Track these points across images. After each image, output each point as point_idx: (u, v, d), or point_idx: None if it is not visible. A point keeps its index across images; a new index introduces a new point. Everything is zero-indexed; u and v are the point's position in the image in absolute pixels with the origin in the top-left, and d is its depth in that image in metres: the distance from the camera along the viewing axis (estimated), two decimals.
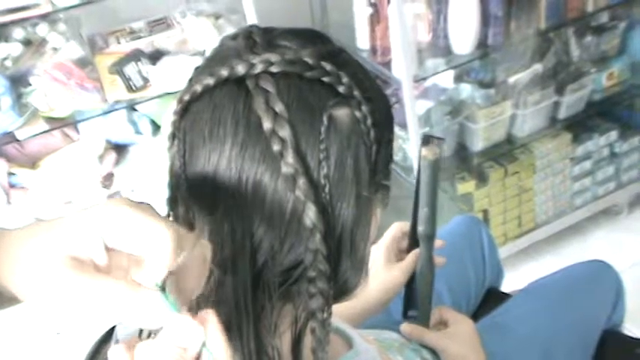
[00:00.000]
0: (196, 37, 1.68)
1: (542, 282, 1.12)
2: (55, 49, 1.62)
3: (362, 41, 1.83)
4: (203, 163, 0.52)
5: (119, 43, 1.72)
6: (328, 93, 0.52)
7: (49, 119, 1.57)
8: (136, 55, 1.57)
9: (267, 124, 0.50)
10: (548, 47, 1.90)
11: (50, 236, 0.43)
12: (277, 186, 0.51)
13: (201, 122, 0.52)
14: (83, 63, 1.62)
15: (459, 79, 1.89)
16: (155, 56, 1.63)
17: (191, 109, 0.54)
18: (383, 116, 0.56)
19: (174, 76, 1.58)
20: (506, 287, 1.32)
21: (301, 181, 0.50)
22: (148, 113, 1.75)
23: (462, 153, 1.94)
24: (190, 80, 0.56)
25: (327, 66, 0.52)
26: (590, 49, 1.95)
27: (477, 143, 1.88)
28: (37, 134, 1.55)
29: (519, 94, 1.86)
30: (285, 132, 0.50)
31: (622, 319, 1.14)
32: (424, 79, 1.74)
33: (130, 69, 1.56)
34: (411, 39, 1.60)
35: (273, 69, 0.51)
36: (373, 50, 1.78)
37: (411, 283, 0.90)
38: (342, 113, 0.52)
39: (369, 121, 0.53)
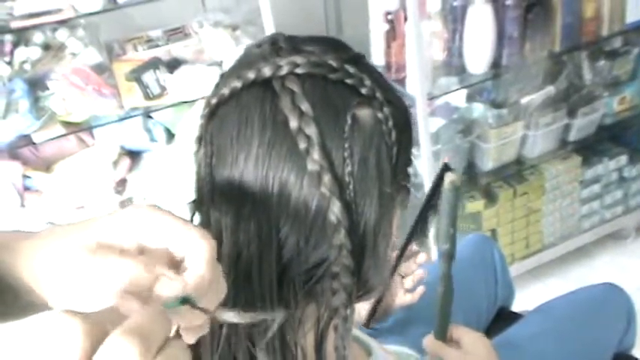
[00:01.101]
0: (213, 47, 1.70)
1: (554, 303, 1.12)
2: (73, 55, 1.64)
3: (377, 57, 1.84)
4: (231, 164, 0.53)
5: (136, 50, 1.73)
6: (352, 94, 0.54)
7: (66, 123, 1.58)
8: (154, 63, 1.59)
9: (293, 123, 0.51)
10: (561, 70, 1.91)
11: (82, 233, 0.44)
12: (303, 184, 0.52)
13: (229, 124, 0.54)
14: (101, 69, 1.64)
15: (471, 98, 1.90)
16: (172, 65, 1.65)
17: (218, 112, 0.55)
18: (403, 120, 0.58)
19: (191, 85, 1.59)
20: (513, 308, 1.32)
21: (326, 178, 0.51)
22: (163, 121, 1.76)
23: (471, 172, 1.94)
24: (217, 85, 0.57)
25: (351, 69, 0.54)
26: (602, 73, 1.96)
27: (487, 163, 1.89)
28: (53, 138, 1.56)
29: (531, 115, 1.87)
30: (311, 130, 0.51)
31: (633, 342, 1.14)
32: (437, 97, 1.75)
33: (148, 77, 1.58)
34: (426, 56, 1.62)
35: (299, 70, 0.53)
36: (388, 66, 1.80)
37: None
38: (365, 113, 0.54)
39: (390, 123, 0.55)
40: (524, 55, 1.73)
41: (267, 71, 0.52)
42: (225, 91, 0.54)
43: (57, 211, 1.65)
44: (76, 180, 1.66)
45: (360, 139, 0.53)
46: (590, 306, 1.10)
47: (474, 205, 1.92)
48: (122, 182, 1.72)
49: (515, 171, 1.96)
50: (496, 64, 1.72)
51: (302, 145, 0.51)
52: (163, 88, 1.60)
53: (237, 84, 0.53)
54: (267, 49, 0.55)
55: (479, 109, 1.87)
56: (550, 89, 1.88)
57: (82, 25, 1.67)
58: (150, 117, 1.75)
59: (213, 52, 1.69)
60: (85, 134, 1.71)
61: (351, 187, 0.52)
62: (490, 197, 1.95)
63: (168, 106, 1.63)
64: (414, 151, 1.80)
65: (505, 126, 1.84)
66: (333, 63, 0.53)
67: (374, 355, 0.63)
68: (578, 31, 1.78)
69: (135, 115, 1.64)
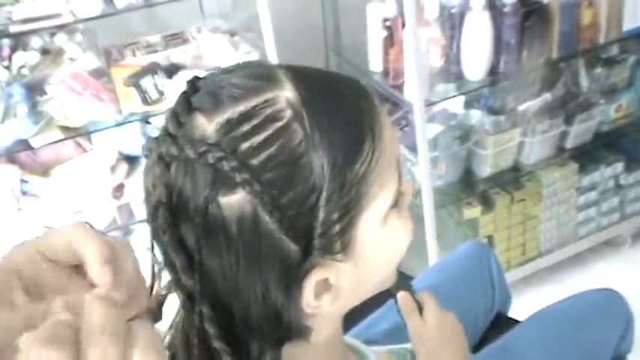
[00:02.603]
0: (212, 53, 1.70)
1: (552, 308, 1.13)
2: (71, 59, 1.64)
3: (375, 64, 1.85)
4: None
5: (135, 55, 1.73)
6: (214, 178, 0.50)
7: (64, 128, 1.58)
8: (152, 69, 1.59)
9: (151, 206, 0.52)
10: (558, 77, 1.92)
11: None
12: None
13: None
14: (99, 74, 1.64)
15: (468, 104, 1.91)
16: (171, 70, 1.65)
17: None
18: (301, 185, 0.50)
19: None
20: (511, 314, 1.32)
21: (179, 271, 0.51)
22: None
23: (469, 178, 1.95)
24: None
25: (214, 150, 0.49)
26: (599, 80, 1.97)
27: (485, 169, 1.90)
28: (51, 143, 1.56)
29: (528, 122, 1.88)
30: (161, 216, 0.51)
31: (630, 347, 1.15)
32: (435, 103, 1.76)
33: (147, 82, 1.58)
34: (424, 63, 1.62)
35: (164, 152, 0.51)
36: (386, 73, 1.81)
37: None
38: (231, 200, 0.49)
39: (267, 199, 0.49)
40: (522, 62, 1.74)
41: (148, 148, 0.53)
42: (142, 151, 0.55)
43: (54, 215, 1.64)
44: (73, 185, 1.66)
45: (220, 229, 0.50)
46: (588, 311, 1.10)
47: (471, 211, 1.92)
48: (120, 187, 1.72)
49: (513, 178, 1.97)
50: (493, 71, 1.73)
51: (158, 226, 0.51)
52: (161, 94, 1.60)
53: (142, 152, 0.55)
54: (169, 116, 0.53)
55: (476, 115, 1.88)
56: (547, 96, 1.90)
57: (81, 30, 1.67)
58: (148, 122, 1.75)
59: (212, 58, 1.70)
60: (83, 139, 1.70)
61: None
62: (487, 204, 1.95)
63: (166, 112, 1.63)
64: (411, 157, 1.82)
65: (502, 133, 1.84)
66: (199, 147, 0.49)
67: None
68: (575, 39, 1.79)
69: (133, 121, 1.64)
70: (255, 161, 0.49)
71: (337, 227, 0.52)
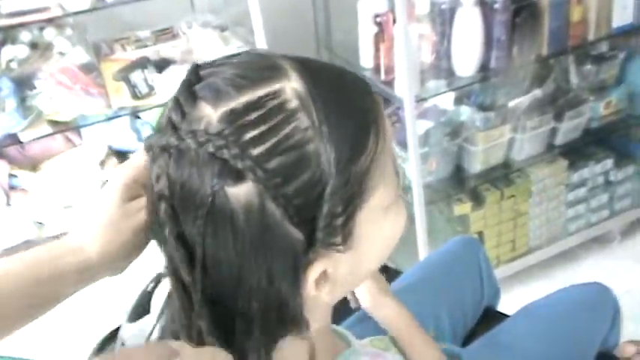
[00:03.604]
0: (202, 48, 1.70)
1: (541, 303, 1.13)
2: (61, 54, 1.63)
3: (365, 60, 1.85)
4: None
5: (125, 50, 1.73)
6: (221, 168, 0.49)
7: (53, 123, 1.57)
8: (142, 63, 1.59)
9: (155, 198, 0.52)
10: (548, 74, 1.93)
11: None
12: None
13: None
14: (88, 68, 1.63)
15: (459, 101, 1.91)
16: (161, 65, 1.65)
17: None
18: (309, 175, 0.50)
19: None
20: (500, 310, 1.32)
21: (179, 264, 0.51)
22: (151, 121, 1.75)
23: (459, 175, 1.95)
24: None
25: (218, 140, 0.49)
26: (589, 77, 1.98)
27: (475, 165, 1.90)
28: (40, 137, 1.55)
29: (518, 118, 1.88)
30: (162, 208, 0.51)
31: (617, 342, 1.15)
32: (425, 99, 1.76)
33: (136, 76, 1.57)
34: (414, 59, 1.62)
35: (167, 143, 0.51)
36: (376, 69, 1.80)
37: None
38: (237, 191, 0.49)
39: (278, 191, 0.49)
40: (512, 59, 1.75)
41: (151, 140, 0.53)
42: (145, 144, 0.55)
43: (43, 210, 1.64)
44: (62, 179, 1.65)
45: (227, 221, 0.49)
46: (577, 305, 1.10)
47: (462, 207, 1.93)
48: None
49: (503, 174, 1.97)
50: (484, 68, 1.73)
51: (160, 220, 0.51)
52: (151, 88, 1.60)
53: (145, 145, 0.55)
54: (170, 106, 0.53)
55: (466, 112, 1.88)
56: (537, 93, 1.90)
57: (70, 24, 1.67)
58: (138, 117, 1.75)
59: (202, 53, 1.69)
60: (73, 133, 1.70)
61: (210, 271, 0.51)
62: (477, 200, 1.96)
63: (156, 106, 1.62)
64: (402, 153, 1.82)
65: (492, 129, 1.85)
66: (201, 137, 0.49)
67: (353, 346, 0.65)
68: (565, 35, 1.79)
69: (122, 115, 1.63)
70: (261, 149, 0.48)
71: (340, 220, 0.52)
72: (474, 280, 1.18)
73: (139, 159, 0.62)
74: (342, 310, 0.64)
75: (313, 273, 0.52)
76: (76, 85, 1.55)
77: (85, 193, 1.67)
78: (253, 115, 0.49)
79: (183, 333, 0.54)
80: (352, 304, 0.98)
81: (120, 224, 0.61)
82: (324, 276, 0.54)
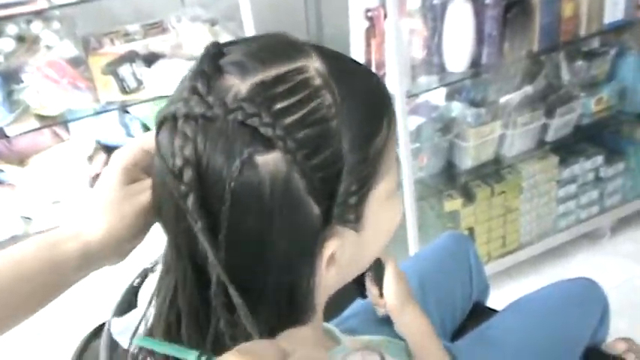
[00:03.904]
0: (191, 42, 1.69)
1: (530, 297, 1.13)
2: (48, 47, 1.61)
3: (356, 55, 1.84)
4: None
5: (113, 44, 1.71)
6: (251, 137, 0.50)
7: (40, 117, 1.56)
8: (130, 57, 1.57)
9: (177, 165, 0.50)
10: (539, 70, 1.93)
11: None
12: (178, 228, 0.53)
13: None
14: (76, 62, 1.61)
15: (450, 97, 1.91)
16: (150, 59, 1.63)
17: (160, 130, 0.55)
18: (329, 147, 0.52)
19: (168, 79, 1.58)
20: (490, 306, 1.32)
21: (199, 225, 0.50)
22: (140, 116, 1.74)
23: (450, 171, 1.95)
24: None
25: (250, 108, 0.49)
26: (580, 73, 1.98)
27: (466, 161, 1.90)
28: (27, 131, 1.54)
29: (509, 114, 1.88)
30: (188, 176, 0.50)
31: (605, 336, 1.15)
32: (416, 95, 1.76)
33: (125, 70, 1.56)
34: (405, 54, 1.62)
35: (195, 111, 0.50)
36: (367, 64, 1.80)
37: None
38: (265, 159, 0.50)
39: (303, 163, 0.50)
40: (504, 55, 1.74)
41: (172, 109, 0.52)
42: (159, 115, 0.54)
43: (31, 205, 1.62)
44: (50, 174, 1.64)
45: (254, 189, 0.50)
46: (565, 300, 1.10)
47: (452, 203, 1.92)
48: (98, 177, 1.69)
49: (494, 170, 1.97)
50: (475, 63, 1.73)
51: (183, 189, 0.50)
52: (140, 82, 1.58)
53: (158, 117, 0.54)
54: (191, 77, 0.53)
55: (458, 107, 1.88)
56: (528, 89, 1.90)
57: (58, 17, 1.65)
58: (127, 112, 1.73)
59: (192, 47, 1.68)
60: (60, 128, 1.68)
61: (225, 237, 0.51)
62: (468, 196, 1.95)
63: (145, 101, 1.61)
64: None
65: (483, 125, 1.84)
66: (230, 103, 0.50)
67: (342, 344, 0.65)
68: (556, 31, 1.79)
69: (111, 110, 1.62)
70: (289, 120, 0.50)
71: (354, 198, 0.54)
72: (464, 276, 1.18)
73: (139, 143, 0.63)
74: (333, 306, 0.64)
75: (327, 251, 0.54)
76: (64, 79, 1.54)
77: (73, 188, 1.66)
78: (281, 88, 0.51)
79: (159, 329, 0.54)
80: (378, 312, 0.98)
81: (121, 206, 0.60)
82: (332, 259, 0.55)
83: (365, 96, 0.55)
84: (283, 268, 0.52)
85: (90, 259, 0.60)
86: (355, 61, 0.59)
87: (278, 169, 0.49)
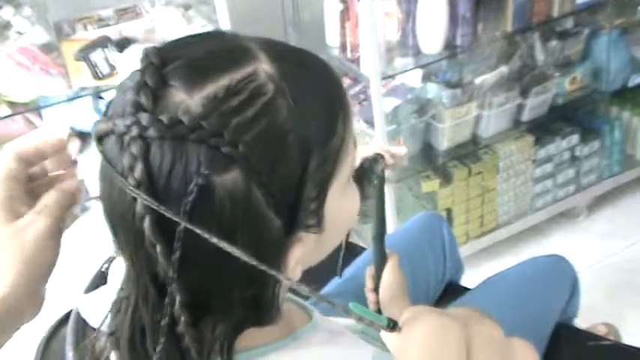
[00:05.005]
0: (165, 27, 1.67)
1: (501, 275, 1.15)
2: (19, 33, 1.59)
3: (332, 38, 1.84)
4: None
5: (86, 30, 1.69)
6: (209, 156, 0.46)
7: (12, 104, 1.54)
8: (102, 42, 1.56)
9: (129, 187, 0.47)
10: (514, 50, 1.93)
11: None
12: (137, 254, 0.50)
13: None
14: (48, 48, 1.60)
15: (426, 78, 1.91)
16: (122, 44, 1.62)
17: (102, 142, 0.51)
18: (294, 159, 0.50)
19: None
20: (466, 285, 1.34)
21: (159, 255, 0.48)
22: None
23: (427, 152, 1.96)
24: (109, 103, 0.52)
25: (210, 126, 0.46)
26: (554, 53, 1.99)
27: (442, 142, 1.91)
28: None
29: (485, 95, 1.89)
30: (139, 198, 0.47)
31: (576, 312, 1.17)
32: (392, 77, 1.76)
33: (97, 56, 1.54)
34: (380, 37, 1.61)
35: (148, 132, 0.46)
36: (343, 47, 1.80)
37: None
38: (224, 179, 0.47)
39: (263, 178, 0.48)
40: (478, 36, 1.75)
41: (118, 125, 0.48)
42: (99, 128, 0.50)
43: None
44: None
45: (212, 209, 0.47)
46: (536, 277, 1.12)
47: (429, 184, 1.94)
48: (73, 164, 1.69)
49: (470, 151, 1.98)
50: (450, 45, 1.74)
51: (138, 211, 0.47)
52: (113, 68, 1.57)
53: (99, 128, 0.50)
54: (134, 89, 0.48)
55: (433, 89, 1.88)
56: (503, 69, 1.91)
57: (29, 3, 1.63)
58: (100, 97, 1.72)
59: (165, 32, 1.67)
60: (33, 115, 1.67)
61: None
62: (445, 177, 1.97)
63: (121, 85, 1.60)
64: (369, 131, 1.81)
65: (459, 106, 1.85)
66: (185, 120, 0.46)
67: (314, 320, 0.64)
68: (530, 12, 1.80)
69: (84, 95, 1.60)
70: (248, 136, 0.47)
71: (315, 204, 0.52)
72: (437, 255, 1.19)
73: (7, 164, 0.59)
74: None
75: (291, 258, 0.52)
76: (35, 65, 1.52)
77: None
78: (235, 101, 0.47)
79: (125, 335, 0.53)
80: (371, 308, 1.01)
81: (12, 246, 0.57)
82: (296, 262, 0.54)
83: (318, 95, 0.52)
84: (248, 281, 0.51)
85: (9, 317, 0.57)
86: (301, 51, 0.55)
87: (237, 187, 0.47)
